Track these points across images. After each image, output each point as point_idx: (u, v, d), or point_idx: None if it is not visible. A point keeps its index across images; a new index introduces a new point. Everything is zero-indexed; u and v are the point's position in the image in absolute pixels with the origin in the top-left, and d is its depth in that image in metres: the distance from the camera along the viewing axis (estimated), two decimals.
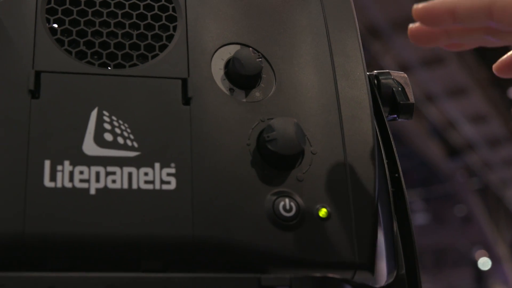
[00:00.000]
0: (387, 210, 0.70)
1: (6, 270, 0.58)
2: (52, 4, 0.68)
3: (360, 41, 0.76)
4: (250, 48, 0.70)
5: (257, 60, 0.68)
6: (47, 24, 0.67)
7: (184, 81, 0.66)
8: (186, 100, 0.66)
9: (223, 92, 0.68)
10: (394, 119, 0.80)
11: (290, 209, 0.64)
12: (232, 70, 0.68)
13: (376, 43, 6.56)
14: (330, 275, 0.64)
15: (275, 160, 0.65)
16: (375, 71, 0.81)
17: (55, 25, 0.67)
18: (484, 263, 10.60)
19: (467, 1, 0.61)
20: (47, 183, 0.60)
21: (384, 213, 0.71)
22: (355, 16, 0.78)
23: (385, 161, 0.73)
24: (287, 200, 0.64)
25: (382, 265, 0.70)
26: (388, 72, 0.81)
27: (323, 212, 0.65)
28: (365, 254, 0.65)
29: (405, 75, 0.81)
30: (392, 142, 0.74)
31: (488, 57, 6.33)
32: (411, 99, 0.78)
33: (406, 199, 0.71)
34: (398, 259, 0.68)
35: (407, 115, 0.78)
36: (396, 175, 0.72)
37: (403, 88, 0.79)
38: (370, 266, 0.65)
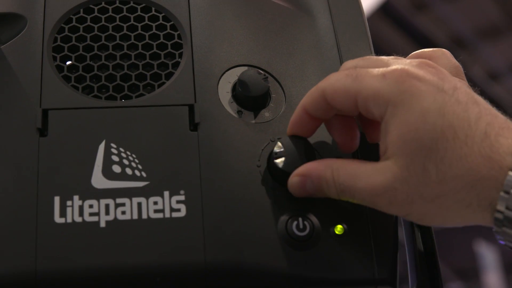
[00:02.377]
0: (407, 222, 0.69)
1: None
2: (59, 42, 0.69)
3: (373, 52, 0.75)
4: (257, 69, 0.69)
5: (263, 79, 0.68)
6: (53, 62, 0.68)
7: (191, 107, 0.66)
8: (194, 126, 0.66)
9: (230, 115, 0.67)
10: None
11: (304, 228, 0.63)
12: (239, 92, 0.68)
13: (463, 53, 6.44)
14: None
15: (286, 179, 0.64)
16: None
17: (61, 63, 0.68)
18: None
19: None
20: (57, 219, 0.61)
21: (405, 224, 0.69)
22: (367, 26, 0.77)
23: None
24: (300, 220, 0.63)
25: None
26: None
27: (338, 229, 0.64)
28: (385, 269, 0.63)
29: None
30: None
31: None
32: None
33: None
34: (420, 272, 0.66)
35: None
36: None
37: None
38: (392, 281, 0.63)
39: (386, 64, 0.61)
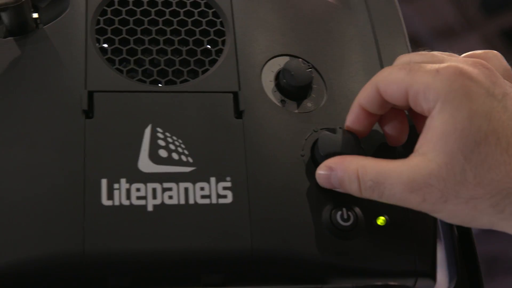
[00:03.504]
0: None
1: None
2: (102, 25, 0.68)
3: (410, 48, 0.75)
4: (300, 59, 0.69)
5: (307, 70, 0.68)
6: (97, 44, 0.67)
7: (236, 95, 0.66)
8: (238, 114, 0.66)
9: (274, 104, 0.68)
10: None
11: (348, 219, 0.63)
12: (282, 81, 0.68)
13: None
14: (391, 283, 0.63)
15: None
16: None
17: (105, 45, 0.68)
18: None
19: None
20: (105, 201, 0.60)
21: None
22: (403, 23, 0.77)
23: None
24: (344, 210, 0.64)
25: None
26: None
27: (381, 220, 0.64)
28: (426, 261, 0.64)
29: None
30: None
31: None
32: None
33: None
34: (459, 266, 0.67)
35: None
36: None
37: None
38: (432, 273, 0.64)
39: (441, 61, 0.62)
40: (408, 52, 0.75)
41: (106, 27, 0.68)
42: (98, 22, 0.69)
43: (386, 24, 0.76)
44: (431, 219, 0.66)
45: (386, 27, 0.76)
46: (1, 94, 0.64)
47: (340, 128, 0.65)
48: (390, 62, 0.73)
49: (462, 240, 0.68)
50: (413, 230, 0.65)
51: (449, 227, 0.69)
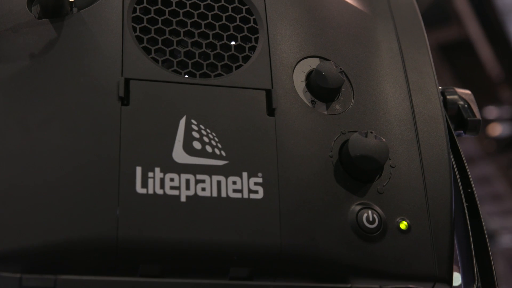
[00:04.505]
0: (462, 224, 0.71)
1: (99, 274, 0.59)
2: (138, 13, 0.69)
3: (431, 57, 0.77)
4: (330, 62, 0.70)
5: (339, 73, 0.69)
6: (133, 32, 0.68)
7: (268, 92, 0.67)
8: (271, 111, 0.67)
9: (305, 104, 0.69)
10: (459, 134, 0.81)
11: (373, 221, 0.65)
12: (314, 82, 0.69)
13: None
14: (412, 286, 0.65)
15: (358, 173, 0.66)
16: (440, 87, 0.82)
17: (141, 34, 0.68)
18: None
19: None
20: (139, 189, 0.61)
21: (458, 227, 0.72)
22: (425, 33, 0.79)
23: (457, 176, 0.74)
24: (369, 212, 0.65)
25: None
26: (453, 89, 0.82)
27: (403, 225, 0.66)
28: (444, 267, 0.66)
29: (470, 92, 0.82)
30: (463, 157, 0.75)
31: None
32: (478, 116, 0.80)
33: (480, 214, 0.72)
34: (475, 272, 0.69)
35: (474, 131, 0.79)
36: (469, 189, 0.73)
37: (469, 105, 0.80)
38: (449, 279, 0.66)
39: None
40: (430, 61, 0.76)
41: (142, 16, 0.69)
42: (134, 10, 0.69)
43: (409, 34, 0.78)
44: (449, 226, 0.67)
45: (409, 37, 0.78)
46: (37, 74, 0.64)
47: (371, 132, 0.66)
48: (414, 71, 0.74)
49: (477, 248, 0.70)
50: (432, 236, 0.66)
51: (465, 235, 0.71)
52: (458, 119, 0.80)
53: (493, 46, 4.58)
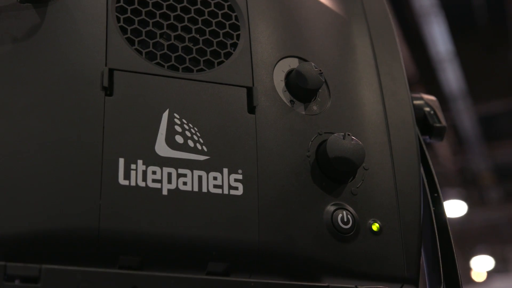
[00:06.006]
0: (428, 228, 0.73)
1: (82, 264, 0.58)
2: (122, 3, 0.68)
3: (403, 63, 0.79)
4: (310, 63, 0.71)
5: (319, 74, 0.70)
6: (117, 23, 0.67)
7: (249, 90, 0.68)
8: (251, 109, 0.67)
9: (284, 103, 0.70)
10: (423, 140, 0.83)
11: (348, 222, 0.66)
12: (293, 82, 0.70)
13: None
14: (379, 287, 0.67)
15: (334, 173, 0.67)
16: None
17: (125, 25, 0.68)
18: None
19: None
20: (122, 180, 0.61)
21: (425, 230, 0.74)
22: (396, 36, 0.81)
23: (425, 181, 0.76)
24: (344, 213, 0.67)
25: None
26: (420, 94, 0.84)
27: (375, 227, 0.68)
28: (412, 268, 0.68)
29: (435, 99, 0.84)
30: (430, 162, 0.77)
31: None
32: (443, 122, 0.82)
33: (445, 217, 0.74)
34: (440, 274, 0.71)
35: (439, 137, 0.82)
36: (436, 194, 0.76)
37: (435, 112, 0.83)
38: (416, 281, 0.68)
39: None
40: (402, 67, 0.78)
41: (126, 6, 0.68)
42: (118, 0, 0.69)
43: (383, 39, 0.80)
44: (418, 228, 0.70)
45: (382, 42, 0.79)
46: (19, 60, 0.63)
47: (349, 134, 0.68)
48: (387, 76, 0.76)
49: (443, 250, 0.73)
50: (402, 238, 0.68)
51: (431, 237, 0.73)
52: (424, 125, 0.82)
53: (410, 46, 4.71)
